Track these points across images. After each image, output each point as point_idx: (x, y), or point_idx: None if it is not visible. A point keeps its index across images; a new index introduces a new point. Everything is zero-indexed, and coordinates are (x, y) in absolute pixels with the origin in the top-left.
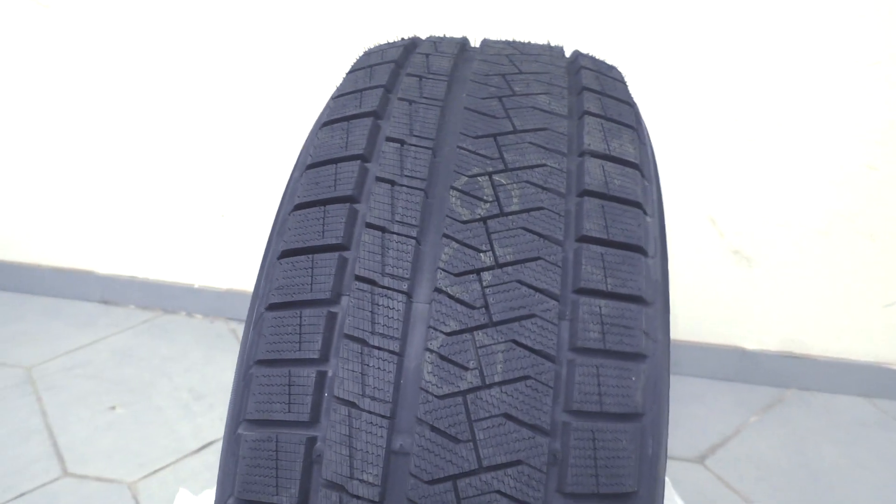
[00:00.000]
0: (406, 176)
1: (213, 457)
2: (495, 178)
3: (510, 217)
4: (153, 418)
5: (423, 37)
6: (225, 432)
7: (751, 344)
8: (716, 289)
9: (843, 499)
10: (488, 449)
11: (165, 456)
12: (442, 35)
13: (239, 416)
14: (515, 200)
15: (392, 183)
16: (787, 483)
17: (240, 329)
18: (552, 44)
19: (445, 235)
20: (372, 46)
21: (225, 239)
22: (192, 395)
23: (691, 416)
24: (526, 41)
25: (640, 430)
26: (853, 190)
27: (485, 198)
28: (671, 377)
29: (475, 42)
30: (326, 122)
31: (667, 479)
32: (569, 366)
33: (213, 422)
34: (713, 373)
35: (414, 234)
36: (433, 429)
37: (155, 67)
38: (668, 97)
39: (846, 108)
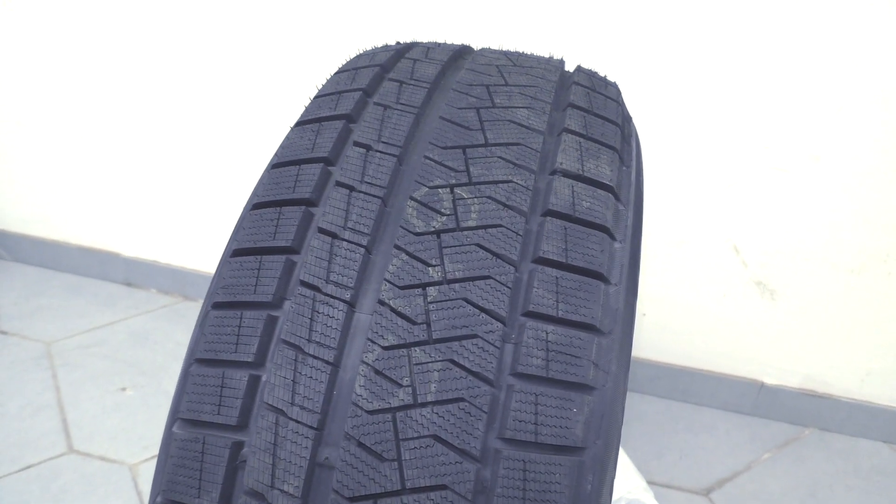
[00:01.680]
0: (366, 182)
1: None
2: (457, 191)
3: (465, 232)
4: (161, 402)
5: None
6: (164, 429)
7: (770, 379)
8: (736, 319)
9: None
10: (413, 470)
11: None
12: (442, 41)
13: (175, 414)
14: (474, 216)
15: (350, 188)
16: None
17: None
18: (554, 56)
19: (396, 246)
20: (367, 49)
21: None
22: None
23: (701, 447)
24: (524, 52)
25: (578, 465)
26: (886, 229)
27: (443, 210)
28: (686, 405)
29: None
30: (299, 123)
31: None
32: (507, 391)
33: None
34: (729, 405)
35: (364, 242)
36: (360, 444)
37: (183, 55)
38: (695, 121)
39: (884, 144)
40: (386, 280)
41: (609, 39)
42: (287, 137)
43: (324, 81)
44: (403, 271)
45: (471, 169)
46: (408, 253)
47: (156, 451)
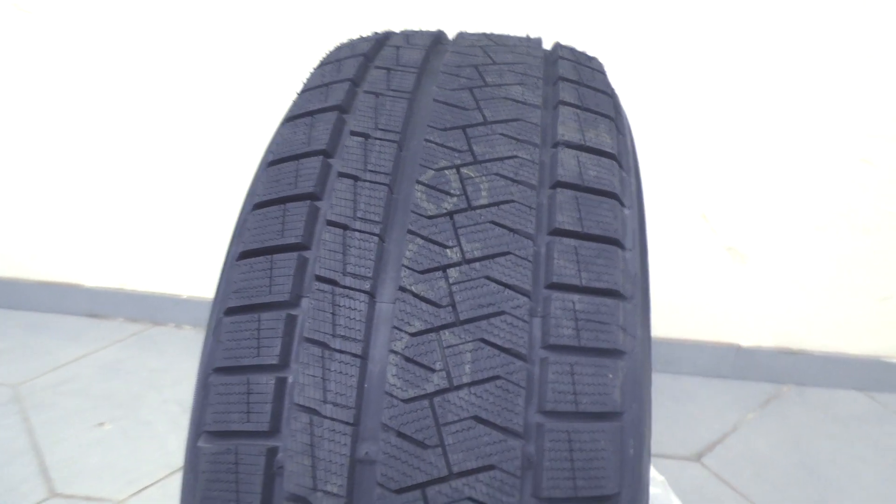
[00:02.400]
0: (370, 171)
1: None
2: (463, 171)
3: (478, 211)
4: (142, 433)
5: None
6: (186, 446)
7: (746, 341)
8: (710, 286)
9: (840, 494)
10: (458, 454)
11: (155, 471)
12: (417, 29)
13: (198, 428)
14: (484, 194)
15: (355, 178)
16: (784, 479)
17: None
18: (531, 36)
19: (410, 231)
20: (345, 41)
21: (212, 248)
22: (182, 407)
23: (687, 415)
24: (503, 34)
25: (620, 430)
26: (847, 185)
27: (452, 192)
28: (666, 375)
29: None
30: (290, 118)
31: (663, 478)
32: (541, 364)
33: None
34: (709, 370)
35: (377, 230)
36: (399, 434)
37: (136, 72)
38: (660, 93)
39: (839, 102)
40: (404, 266)
41: (566, 14)
42: (279, 133)
43: (305, 77)
44: (421, 256)
45: (474, 148)
46: (423, 237)
47: (142, 484)
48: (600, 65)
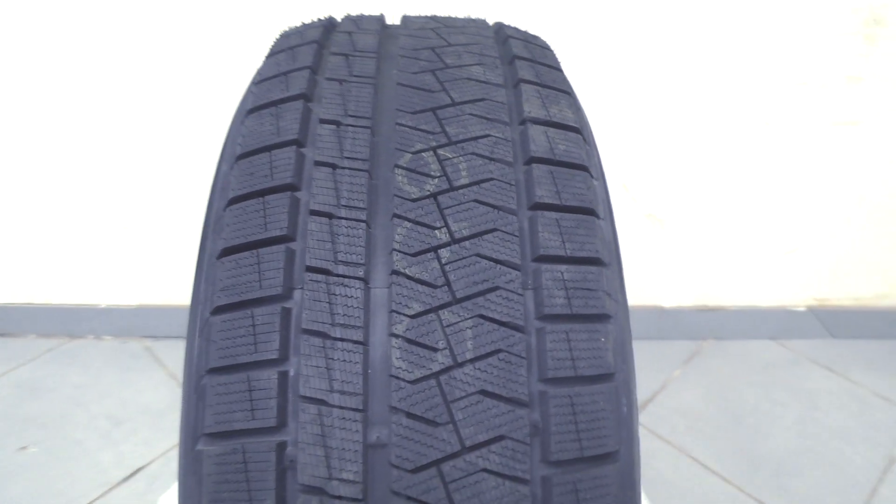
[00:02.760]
0: (347, 158)
1: (143, 484)
2: (440, 152)
3: (461, 191)
4: (72, 453)
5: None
6: (180, 452)
7: (668, 302)
8: (632, 251)
9: (766, 437)
10: (469, 428)
11: (90, 491)
12: (359, 13)
13: (196, 432)
14: (464, 174)
15: (333, 166)
16: (715, 430)
17: (156, 346)
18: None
19: (396, 216)
20: (285, 30)
21: (130, 252)
22: (112, 421)
23: None
24: (447, 15)
25: (615, 390)
26: (750, 146)
27: (432, 173)
28: None
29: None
30: (253, 109)
31: None
32: (538, 335)
33: (137, 447)
34: (635, 333)
35: (363, 217)
36: (409, 415)
37: (38, 68)
38: (580, 70)
39: (737, 63)
40: (395, 250)
41: None
42: (245, 126)
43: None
44: (411, 238)
45: (447, 129)
46: (410, 220)
47: None
48: (546, 43)
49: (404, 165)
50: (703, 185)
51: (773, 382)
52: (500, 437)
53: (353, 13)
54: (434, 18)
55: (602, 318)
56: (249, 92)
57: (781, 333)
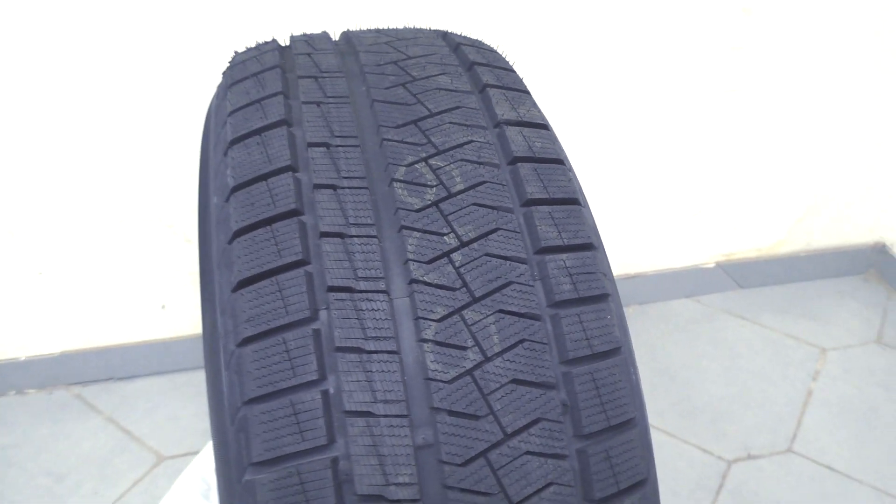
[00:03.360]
0: (344, 178)
1: None
2: (431, 162)
3: (459, 196)
4: None
5: (261, 39)
6: (220, 487)
7: None
8: None
9: (699, 390)
10: (508, 416)
11: None
12: (301, 33)
13: (240, 464)
14: (458, 180)
15: (333, 187)
16: (651, 390)
17: (86, 392)
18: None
19: (404, 227)
20: (234, 57)
21: (47, 299)
22: (53, 478)
23: None
24: (389, 27)
25: (625, 361)
26: (649, 118)
27: (429, 183)
28: None
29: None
30: (235, 139)
31: None
32: (553, 320)
33: (85, 499)
34: None
35: (374, 232)
36: (451, 413)
37: None
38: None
39: (635, 35)
40: (410, 260)
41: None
42: (231, 157)
43: (215, 97)
44: (423, 247)
45: (432, 139)
46: (418, 230)
47: None
48: (490, 45)
49: (402, 179)
50: (611, 160)
51: (695, 337)
52: (537, 420)
53: (296, 33)
54: (380, 32)
55: (604, 297)
56: (227, 123)
57: (696, 290)
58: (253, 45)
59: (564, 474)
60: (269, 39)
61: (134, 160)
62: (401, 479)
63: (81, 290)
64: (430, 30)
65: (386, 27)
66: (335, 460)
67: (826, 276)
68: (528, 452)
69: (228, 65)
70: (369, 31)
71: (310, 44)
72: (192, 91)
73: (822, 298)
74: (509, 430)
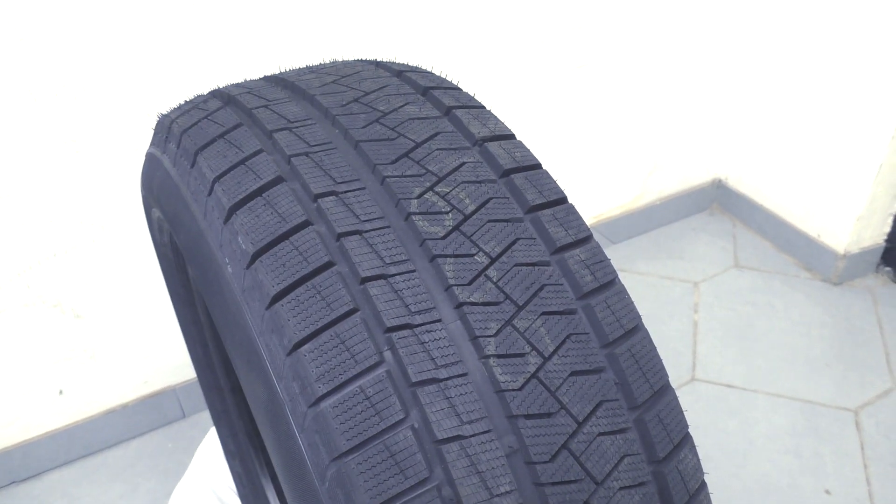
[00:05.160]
0: (364, 222)
1: None
2: (437, 189)
3: (474, 217)
4: None
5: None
6: None
7: None
8: None
9: None
10: (576, 406)
11: None
12: (221, 84)
13: None
14: (467, 201)
15: (358, 233)
16: None
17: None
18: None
19: (438, 256)
20: (171, 117)
21: None
22: None
23: None
24: (316, 64)
25: (647, 333)
26: (515, 96)
27: (443, 210)
28: None
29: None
30: (235, 205)
31: None
32: (586, 311)
33: None
34: None
35: (412, 268)
36: (527, 416)
37: None
38: None
39: (497, 22)
40: (452, 286)
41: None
42: (238, 223)
43: (197, 162)
44: (460, 271)
45: (430, 168)
46: (451, 255)
47: None
48: (425, 69)
49: (417, 211)
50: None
51: None
52: (600, 403)
53: (217, 86)
54: (312, 69)
55: (616, 280)
56: (216, 190)
57: None
58: (174, 102)
59: (632, 445)
60: (200, 94)
61: (1, 238)
62: (503, 489)
63: None
64: (358, 61)
65: (315, 64)
66: (438, 487)
67: (680, 218)
68: (600, 434)
69: (163, 127)
70: (299, 70)
71: (258, 95)
72: (52, 162)
73: (682, 238)
74: (580, 419)
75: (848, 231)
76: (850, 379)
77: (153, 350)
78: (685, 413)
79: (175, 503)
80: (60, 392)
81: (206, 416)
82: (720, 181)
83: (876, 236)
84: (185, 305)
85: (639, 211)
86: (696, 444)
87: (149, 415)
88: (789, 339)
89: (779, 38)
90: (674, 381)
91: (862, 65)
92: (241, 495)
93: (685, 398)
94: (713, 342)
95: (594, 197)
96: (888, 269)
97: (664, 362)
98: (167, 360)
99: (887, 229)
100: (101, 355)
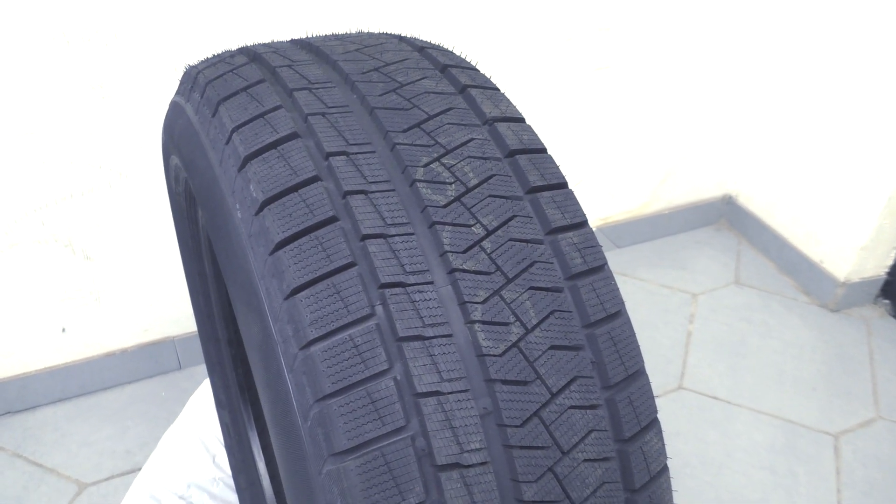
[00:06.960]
0: (371, 183)
1: None
2: (443, 161)
3: (476, 190)
4: None
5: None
6: (290, 485)
7: None
8: None
9: None
10: (552, 378)
11: None
12: (265, 42)
13: (320, 456)
14: (471, 175)
15: (364, 192)
16: None
17: None
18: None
19: (436, 223)
20: (191, 68)
21: None
22: None
23: None
24: (343, 32)
25: (628, 318)
26: (532, 94)
27: (447, 180)
28: None
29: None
30: (250, 155)
31: None
32: (572, 291)
33: None
34: None
35: (411, 230)
36: (504, 382)
37: None
38: None
39: (515, 23)
40: (448, 252)
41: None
42: (251, 171)
43: (183, 114)
44: (457, 239)
45: (439, 140)
46: (449, 224)
47: None
48: (447, 48)
49: (422, 178)
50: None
51: None
52: (575, 378)
53: (249, 43)
54: (339, 38)
55: (604, 265)
56: (234, 139)
57: None
58: (207, 55)
59: (601, 421)
60: (229, 49)
61: (22, 174)
62: (473, 446)
63: None
64: (382, 34)
65: (343, 32)
66: (413, 437)
67: (686, 230)
68: (571, 407)
69: (190, 77)
70: (325, 37)
71: (283, 55)
72: (78, 106)
73: (685, 249)
74: (554, 390)
75: (850, 260)
76: (835, 405)
77: (157, 299)
78: (668, 418)
79: (163, 448)
80: (63, 330)
81: (201, 369)
82: (730, 197)
83: (878, 268)
84: (192, 256)
85: (646, 218)
86: (675, 450)
87: (146, 362)
88: (780, 358)
89: (801, 68)
90: (661, 387)
91: (879, 98)
92: (227, 446)
93: (670, 405)
94: (704, 354)
95: (603, 200)
96: (886, 301)
97: (654, 368)
98: (169, 310)
99: (890, 262)
100: (106, 299)
